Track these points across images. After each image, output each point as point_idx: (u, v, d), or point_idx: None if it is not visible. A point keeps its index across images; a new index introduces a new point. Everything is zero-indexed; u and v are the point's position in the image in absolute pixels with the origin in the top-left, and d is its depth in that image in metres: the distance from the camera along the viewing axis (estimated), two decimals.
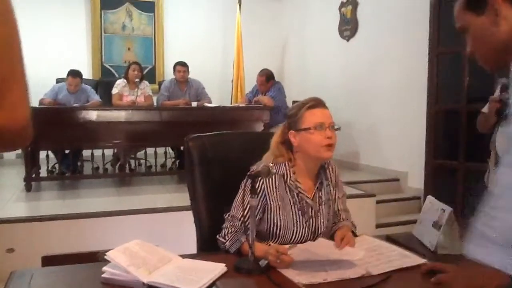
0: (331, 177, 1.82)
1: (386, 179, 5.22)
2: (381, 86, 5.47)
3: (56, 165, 5.32)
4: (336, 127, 1.73)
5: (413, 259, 1.50)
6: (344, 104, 6.18)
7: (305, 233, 1.71)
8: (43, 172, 4.93)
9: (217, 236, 1.69)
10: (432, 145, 4.56)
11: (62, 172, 5.11)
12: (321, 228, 1.73)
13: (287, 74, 7.58)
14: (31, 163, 4.55)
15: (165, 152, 5.42)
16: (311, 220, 1.72)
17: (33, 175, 4.70)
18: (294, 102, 6.26)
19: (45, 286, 1.37)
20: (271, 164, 1.60)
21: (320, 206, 1.75)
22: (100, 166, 5.30)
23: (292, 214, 1.70)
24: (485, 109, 2.88)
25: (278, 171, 1.71)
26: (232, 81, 6.97)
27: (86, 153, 5.08)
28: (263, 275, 1.37)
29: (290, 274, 1.39)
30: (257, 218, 1.67)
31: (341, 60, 6.27)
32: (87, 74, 6.52)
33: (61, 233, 3.57)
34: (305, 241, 1.67)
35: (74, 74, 5.25)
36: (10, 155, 6.33)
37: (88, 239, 3.58)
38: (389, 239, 1.76)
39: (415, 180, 4.89)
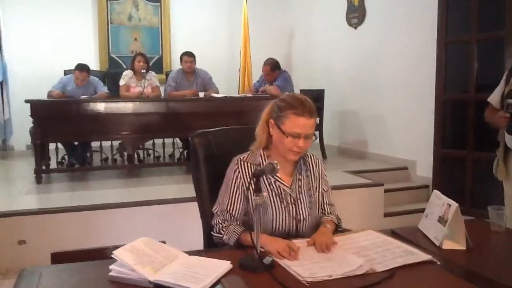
0: (312, 169, 1.86)
1: (394, 167, 5.20)
2: (389, 74, 5.42)
3: (66, 157, 5.38)
4: (310, 136, 1.74)
5: (417, 256, 1.50)
6: (352, 92, 6.16)
7: (286, 219, 1.75)
8: (53, 164, 4.98)
9: (212, 233, 1.75)
10: (440, 134, 4.53)
11: (71, 163, 5.16)
12: (302, 215, 1.77)
13: (294, 62, 7.54)
14: (41, 155, 4.59)
15: (173, 143, 5.43)
16: (290, 207, 1.76)
17: (43, 167, 4.74)
18: (301, 91, 6.28)
19: (54, 285, 1.39)
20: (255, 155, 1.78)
21: (300, 195, 1.79)
22: (109, 157, 5.35)
23: (270, 201, 1.75)
24: (491, 99, 2.85)
25: (253, 160, 1.78)
26: (239, 70, 6.95)
27: (95, 144, 5.13)
28: (267, 273, 1.38)
29: (295, 271, 1.40)
30: (244, 207, 1.76)
31: (348, 48, 6.21)
32: (94, 65, 6.54)
33: (71, 225, 3.61)
34: (288, 228, 1.74)
35: (81, 68, 5.24)
36: (21, 146, 6.39)
37: (98, 231, 3.62)
38: (394, 233, 1.76)
39: (424, 169, 4.87)
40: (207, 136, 2.06)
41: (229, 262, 1.45)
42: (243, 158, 1.80)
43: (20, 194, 4.21)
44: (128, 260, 1.37)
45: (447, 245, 1.61)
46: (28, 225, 3.55)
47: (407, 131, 5.17)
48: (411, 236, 1.72)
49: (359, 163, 5.53)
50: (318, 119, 5.84)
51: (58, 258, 1.76)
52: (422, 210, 1.84)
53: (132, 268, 1.35)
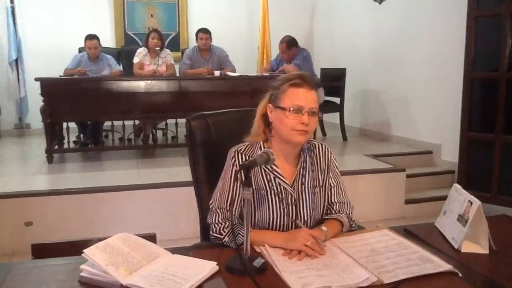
0: (318, 162, 1.64)
1: (418, 151, 4.95)
2: (415, 52, 5.12)
3: (82, 135, 5.30)
4: (315, 111, 1.52)
5: (436, 265, 1.28)
6: (375, 70, 5.88)
7: (284, 221, 1.55)
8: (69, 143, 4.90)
9: (211, 233, 1.55)
10: (468, 116, 4.23)
11: (85, 143, 5.07)
12: (304, 217, 1.56)
13: (315, 40, 7.25)
14: (51, 134, 4.50)
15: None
16: (289, 208, 1.56)
17: (56, 147, 4.67)
18: (322, 70, 6.03)
19: (20, 284, 1.25)
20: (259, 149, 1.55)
21: (303, 193, 1.57)
22: (122, 137, 5.25)
23: (268, 201, 1.55)
24: None
25: (252, 153, 1.57)
26: (258, 48, 6.72)
27: (108, 123, 5.03)
28: (256, 278, 1.21)
29: (288, 277, 1.23)
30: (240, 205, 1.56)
31: (372, 24, 5.90)
32: (110, 42, 6.43)
33: (77, 207, 3.52)
34: (287, 230, 1.54)
35: (90, 36, 5.25)
36: (37, 124, 6.34)
37: (104, 215, 3.53)
38: (408, 232, 1.56)
39: (449, 153, 4.60)
40: (205, 119, 1.93)
41: (215, 263, 1.30)
42: (240, 149, 1.58)
43: (30, 174, 4.15)
44: (100, 260, 1.23)
45: (467, 248, 1.41)
46: (35, 206, 3.48)
47: (433, 112, 4.89)
48: (426, 236, 1.51)
49: (381, 146, 5.29)
50: (339, 99, 5.66)
51: (39, 250, 1.63)
52: (446, 198, 1.63)
53: (104, 269, 1.21)
